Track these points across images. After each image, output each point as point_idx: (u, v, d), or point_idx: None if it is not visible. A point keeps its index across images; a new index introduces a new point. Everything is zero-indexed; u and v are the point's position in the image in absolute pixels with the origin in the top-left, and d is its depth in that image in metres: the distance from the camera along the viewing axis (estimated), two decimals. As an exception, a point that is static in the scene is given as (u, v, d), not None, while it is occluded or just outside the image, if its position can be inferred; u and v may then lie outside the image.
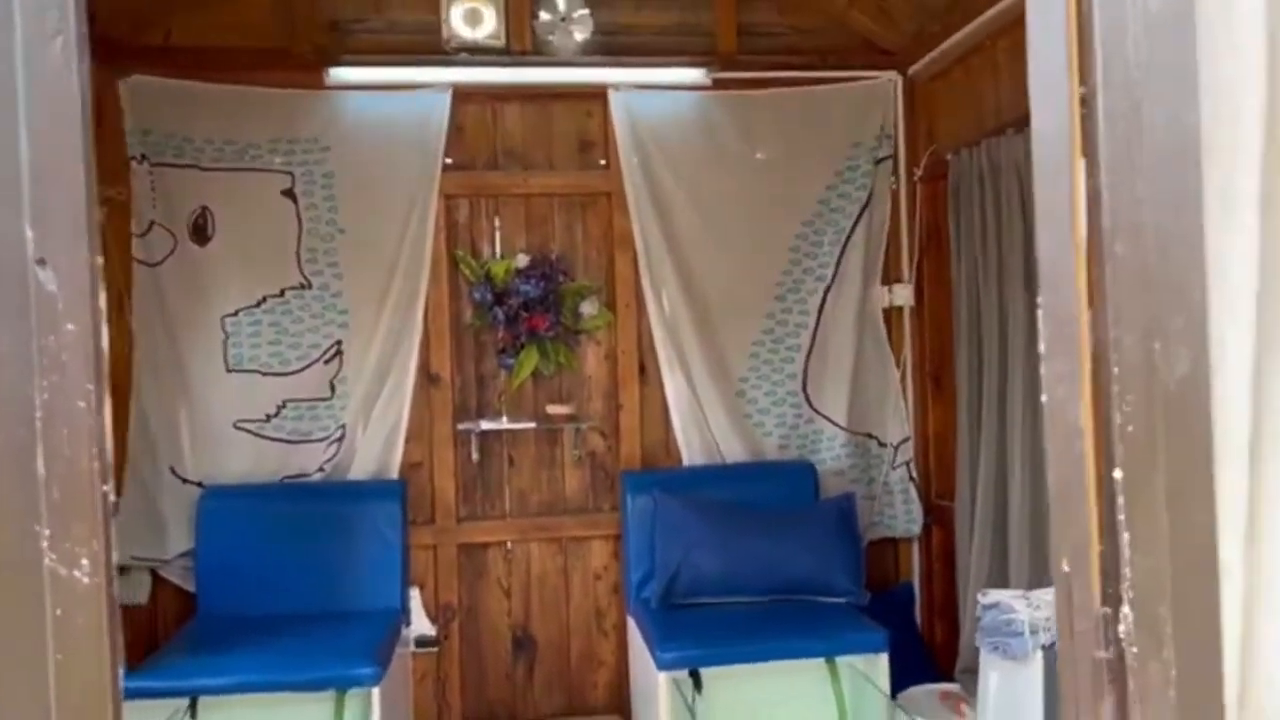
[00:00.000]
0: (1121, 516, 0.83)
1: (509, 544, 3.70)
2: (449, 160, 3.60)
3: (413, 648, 3.54)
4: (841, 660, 3.04)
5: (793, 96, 3.76)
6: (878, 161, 3.80)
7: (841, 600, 3.29)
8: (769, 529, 3.39)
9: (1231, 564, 0.84)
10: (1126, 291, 0.82)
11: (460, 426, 3.65)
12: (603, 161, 3.73)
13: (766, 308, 3.77)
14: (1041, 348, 0.90)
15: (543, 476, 3.73)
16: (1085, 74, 0.84)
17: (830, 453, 3.79)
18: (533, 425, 3.68)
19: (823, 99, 3.78)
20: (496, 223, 3.69)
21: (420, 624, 3.57)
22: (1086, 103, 0.84)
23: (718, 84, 3.71)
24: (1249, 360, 0.85)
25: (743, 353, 3.76)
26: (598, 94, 3.68)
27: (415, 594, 3.57)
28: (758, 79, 3.75)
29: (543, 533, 3.71)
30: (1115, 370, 0.82)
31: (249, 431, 3.49)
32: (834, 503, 3.51)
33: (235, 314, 3.50)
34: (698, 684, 2.97)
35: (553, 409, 3.68)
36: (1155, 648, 0.81)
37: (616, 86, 3.66)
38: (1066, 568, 0.90)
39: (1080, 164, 0.86)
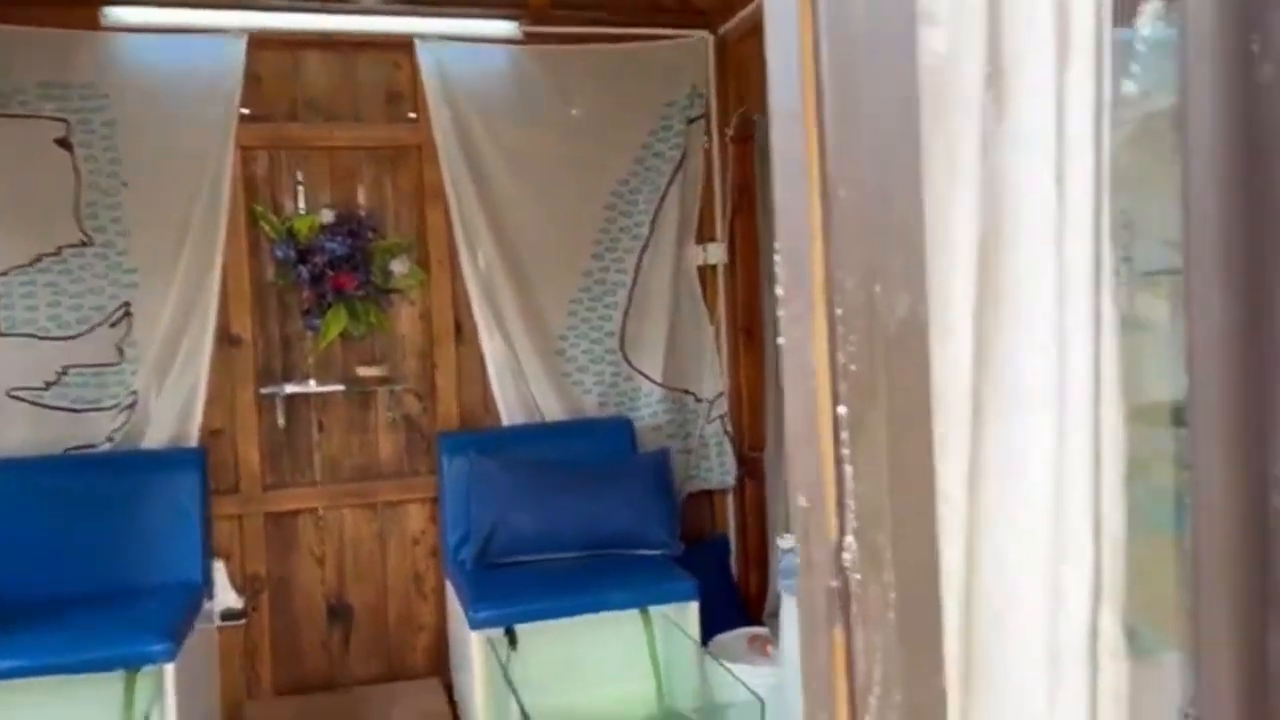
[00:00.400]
0: (846, 451, 0.86)
1: (320, 511, 3.59)
2: (245, 110, 3.41)
3: (218, 621, 3.40)
4: (654, 610, 3.11)
5: (606, 54, 3.75)
6: (690, 121, 3.85)
7: (656, 552, 3.36)
8: (586, 485, 3.42)
9: (954, 500, 0.90)
10: (849, 235, 0.85)
11: (264, 390, 3.49)
12: (412, 114, 3.61)
13: (584, 265, 3.77)
14: (779, 291, 0.93)
15: (354, 441, 3.63)
16: (814, 26, 0.87)
17: (648, 409, 3.84)
18: (342, 388, 3.56)
19: (636, 57, 3.78)
20: (299, 176, 3.52)
21: (226, 597, 3.43)
22: (815, 53, 0.87)
23: (530, 38, 3.65)
24: (970, 307, 0.90)
25: (561, 311, 3.76)
26: (405, 44, 3.55)
27: (220, 566, 3.42)
28: (571, 34, 3.71)
29: (356, 499, 3.61)
30: (839, 311, 0.85)
31: (25, 400, 3.24)
32: (650, 457, 3.57)
33: (5, 274, 3.22)
34: (513, 641, 2.98)
35: (364, 371, 3.58)
36: (876, 573, 0.85)
37: (424, 37, 3.54)
38: (804, 503, 0.93)
39: (811, 114, 0.88)
